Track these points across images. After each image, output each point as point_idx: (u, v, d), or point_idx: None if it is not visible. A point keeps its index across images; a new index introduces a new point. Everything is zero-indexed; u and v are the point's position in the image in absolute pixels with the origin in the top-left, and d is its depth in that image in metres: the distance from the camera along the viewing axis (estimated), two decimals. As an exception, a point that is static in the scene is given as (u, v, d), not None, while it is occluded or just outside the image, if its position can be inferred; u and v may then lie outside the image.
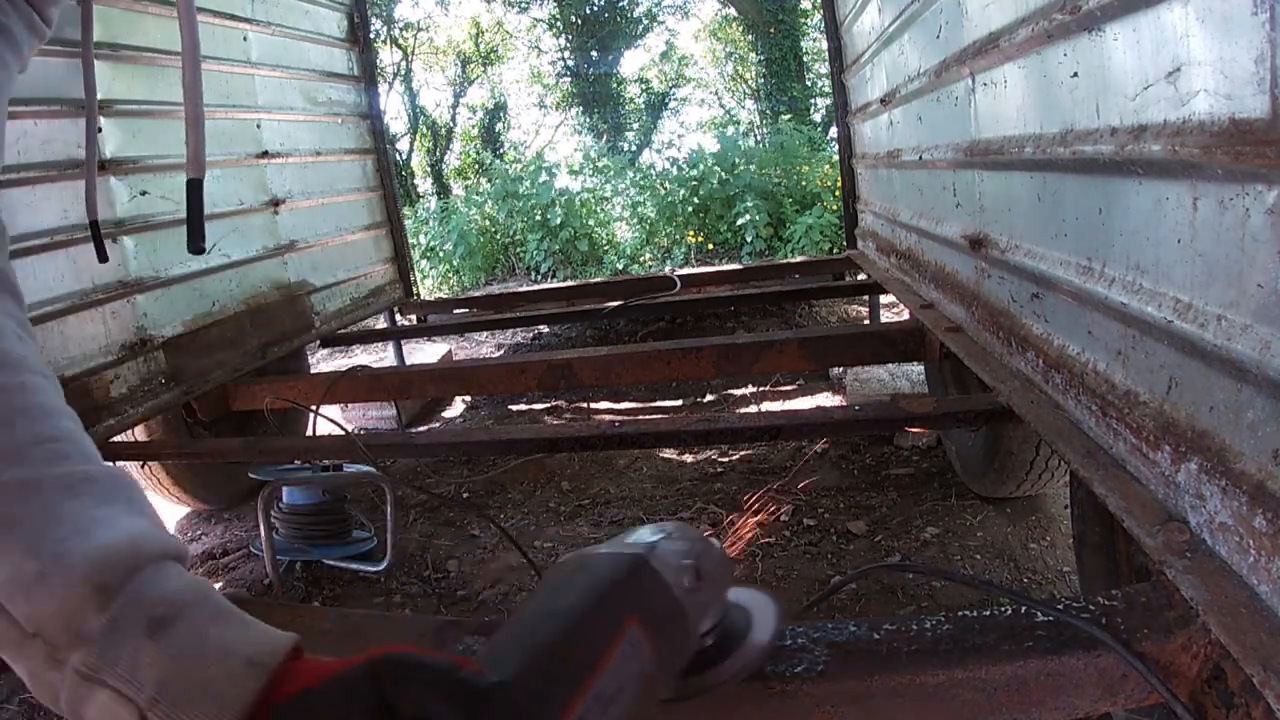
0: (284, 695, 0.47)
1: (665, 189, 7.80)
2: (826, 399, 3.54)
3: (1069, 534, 1.83)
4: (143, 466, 2.68)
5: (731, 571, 0.75)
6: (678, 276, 3.89)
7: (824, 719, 0.86)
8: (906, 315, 2.57)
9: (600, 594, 0.57)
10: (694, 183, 7.48)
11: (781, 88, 11.53)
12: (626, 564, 0.61)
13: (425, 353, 4.47)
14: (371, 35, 3.99)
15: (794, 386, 3.75)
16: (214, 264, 2.61)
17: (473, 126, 14.39)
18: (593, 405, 3.94)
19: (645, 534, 0.68)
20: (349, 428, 2.58)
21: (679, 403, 3.85)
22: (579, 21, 12.86)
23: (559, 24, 13.23)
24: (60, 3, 0.93)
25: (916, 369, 3.12)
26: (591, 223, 7.74)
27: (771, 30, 11.39)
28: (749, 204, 6.88)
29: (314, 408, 2.42)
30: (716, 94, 15.17)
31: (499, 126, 14.25)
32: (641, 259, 7.46)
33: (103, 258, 1.89)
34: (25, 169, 1.88)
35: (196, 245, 1.39)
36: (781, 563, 2.21)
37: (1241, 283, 0.79)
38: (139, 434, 2.46)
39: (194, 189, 1.38)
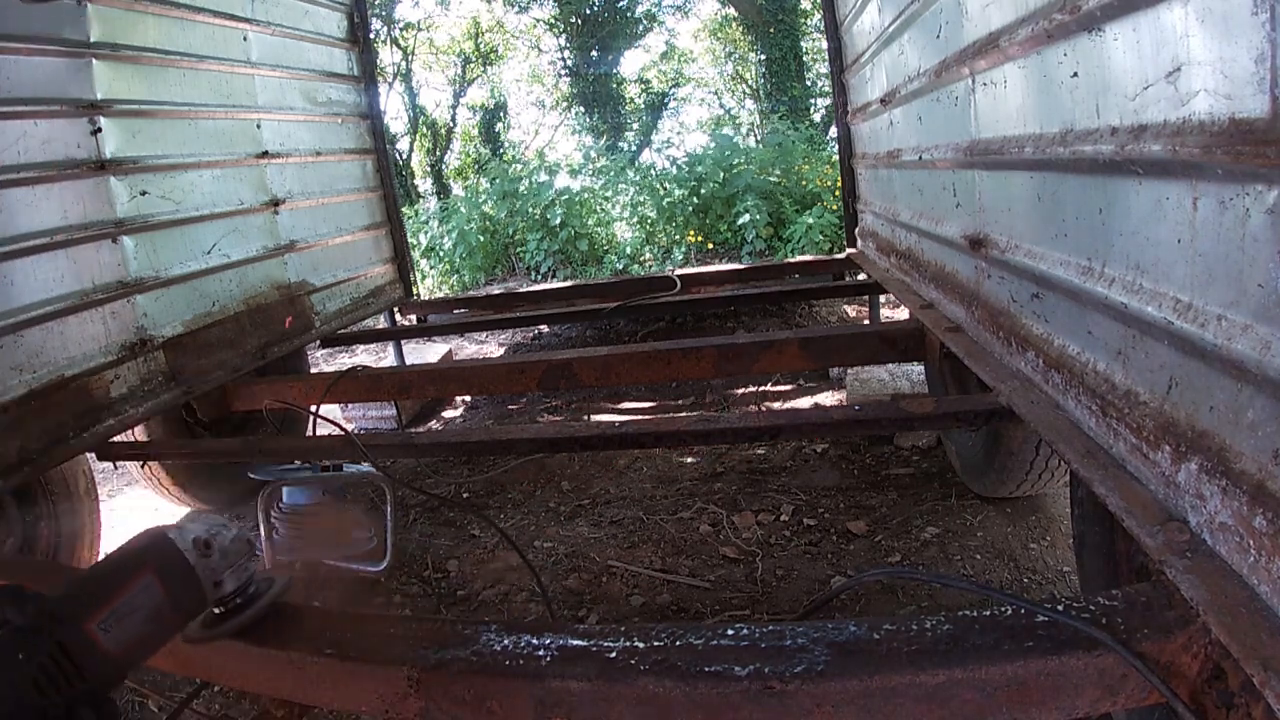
0: None
1: (665, 189, 7.79)
2: (826, 399, 3.53)
3: (1069, 534, 1.83)
4: (143, 466, 2.67)
5: (247, 550, 1.08)
6: (678, 276, 3.89)
7: (824, 719, 0.86)
8: (906, 315, 2.56)
9: (128, 553, 0.96)
10: (694, 183, 7.48)
11: (781, 88, 11.53)
12: (150, 536, 0.98)
13: (425, 353, 4.47)
14: (371, 35, 3.99)
15: (794, 386, 3.75)
16: (214, 264, 2.61)
17: (473, 126, 14.39)
18: (593, 405, 3.94)
19: (185, 520, 1.02)
20: (349, 428, 2.59)
21: (679, 403, 3.85)
22: (579, 21, 12.87)
23: (559, 24, 13.23)
24: None
25: (916, 369, 3.12)
26: (591, 222, 7.73)
27: (771, 30, 11.38)
28: (749, 204, 6.87)
29: (313, 408, 2.42)
30: (716, 94, 15.19)
31: (499, 126, 14.25)
32: (642, 259, 7.45)
33: None
34: (25, 169, 1.88)
35: None
36: (781, 563, 2.21)
37: (1241, 283, 0.79)
38: (139, 434, 2.46)
39: None
